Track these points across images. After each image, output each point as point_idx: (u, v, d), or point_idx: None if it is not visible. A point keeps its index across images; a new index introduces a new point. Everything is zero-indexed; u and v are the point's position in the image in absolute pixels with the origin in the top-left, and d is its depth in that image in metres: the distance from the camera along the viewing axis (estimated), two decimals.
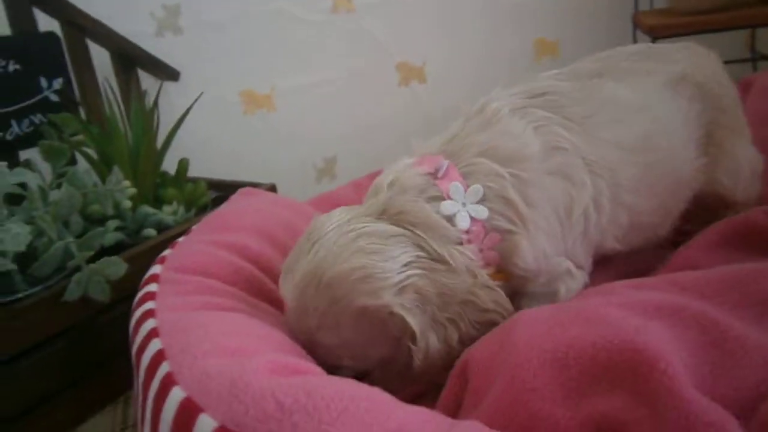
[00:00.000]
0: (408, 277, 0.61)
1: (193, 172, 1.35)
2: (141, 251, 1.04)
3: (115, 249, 1.06)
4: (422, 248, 0.63)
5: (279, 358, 0.56)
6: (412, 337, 0.60)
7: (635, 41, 1.92)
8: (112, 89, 1.19)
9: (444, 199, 0.67)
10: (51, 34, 1.26)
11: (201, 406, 0.49)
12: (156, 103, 1.19)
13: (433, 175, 0.69)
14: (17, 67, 1.19)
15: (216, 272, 0.81)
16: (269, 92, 1.70)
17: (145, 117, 1.20)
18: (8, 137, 1.18)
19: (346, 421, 0.45)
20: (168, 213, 1.20)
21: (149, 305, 0.72)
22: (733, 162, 0.87)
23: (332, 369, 0.61)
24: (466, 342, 0.63)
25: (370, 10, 1.74)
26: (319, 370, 0.58)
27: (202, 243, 0.89)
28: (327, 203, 1.22)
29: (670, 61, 0.84)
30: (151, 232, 1.13)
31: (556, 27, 1.95)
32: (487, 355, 0.61)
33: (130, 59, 1.40)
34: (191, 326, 0.65)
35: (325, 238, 0.64)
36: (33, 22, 1.23)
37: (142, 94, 1.26)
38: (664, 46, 0.90)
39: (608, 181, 0.73)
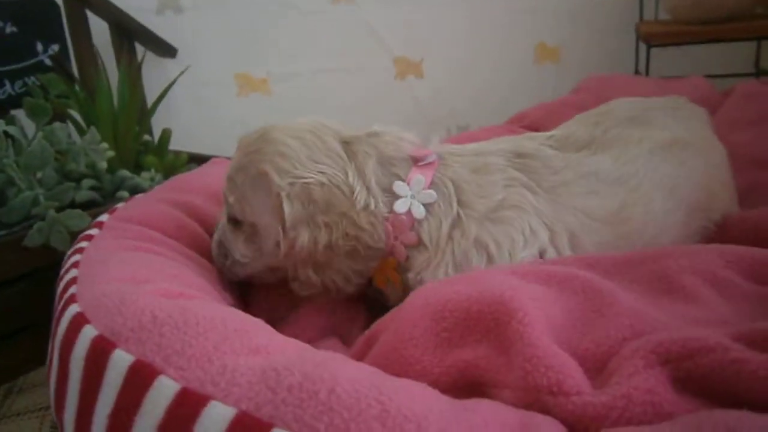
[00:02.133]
0: (313, 180, 0.70)
1: (183, 146, 1.39)
2: (102, 210, 1.08)
3: (88, 207, 1.10)
4: (346, 173, 0.71)
5: (173, 287, 0.59)
6: (283, 225, 0.69)
7: (637, 51, 1.92)
8: (100, 55, 1.24)
9: (402, 181, 0.73)
10: (51, 2, 1.32)
11: (89, 319, 0.53)
12: (139, 70, 1.24)
13: (415, 160, 0.75)
14: (14, 29, 1.25)
15: (158, 225, 0.85)
16: (265, 76, 1.75)
17: (130, 84, 1.25)
18: (0, 96, 1.24)
19: (210, 336, 0.47)
20: (145, 179, 1.24)
21: (82, 244, 0.76)
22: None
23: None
24: (333, 250, 0.70)
25: (371, 3, 1.77)
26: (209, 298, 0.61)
27: (153, 199, 0.93)
28: None
29: (660, 126, 0.85)
30: (124, 194, 1.17)
31: (558, 33, 1.95)
32: (388, 316, 0.63)
33: (128, 33, 1.45)
34: (109, 261, 0.68)
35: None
36: None
37: (134, 65, 1.31)
38: (655, 106, 0.90)
39: (569, 242, 0.74)
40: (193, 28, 1.61)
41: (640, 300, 0.56)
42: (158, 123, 1.35)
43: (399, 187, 0.73)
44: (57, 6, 1.33)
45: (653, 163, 0.80)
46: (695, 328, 0.48)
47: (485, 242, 0.71)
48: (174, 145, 1.41)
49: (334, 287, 0.74)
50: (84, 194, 1.11)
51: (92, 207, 1.10)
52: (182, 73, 1.28)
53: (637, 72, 1.93)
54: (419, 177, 0.73)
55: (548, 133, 0.85)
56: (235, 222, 0.77)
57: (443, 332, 0.54)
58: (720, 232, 0.83)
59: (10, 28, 1.23)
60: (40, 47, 1.29)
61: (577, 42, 1.94)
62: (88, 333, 0.51)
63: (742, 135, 1.14)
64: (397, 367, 0.54)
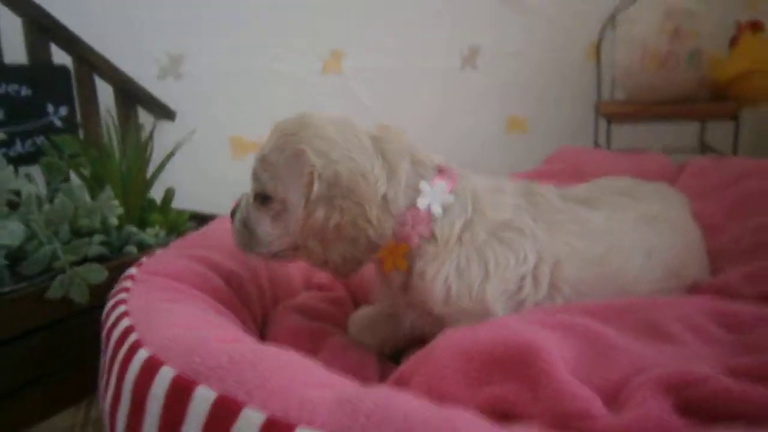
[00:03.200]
0: (343, 166, 0.77)
1: (180, 204, 1.45)
2: (121, 263, 1.13)
3: (98, 261, 1.15)
4: (373, 165, 0.80)
5: (228, 334, 0.66)
6: (307, 199, 0.78)
7: (597, 125, 2.11)
8: (113, 119, 1.31)
9: (427, 182, 0.83)
10: (63, 67, 1.39)
11: (163, 360, 0.59)
12: (151, 136, 1.31)
13: (440, 170, 0.85)
14: (29, 92, 1.31)
15: (186, 278, 0.91)
16: (257, 140, 1.84)
17: (139, 146, 1.32)
18: (11, 154, 1.29)
19: (283, 373, 0.55)
20: (150, 235, 1.30)
21: (122, 296, 0.81)
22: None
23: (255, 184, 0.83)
24: (339, 232, 0.78)
25: (357, 75, 1.91)
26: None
27: (176, 255, 0.99)
28: None
29: (644, 201, 1.00)
30: (132, 249, 1.22)
31: (527, 106, 2.14)
32: (413, 362, 0.71)
33: (132, 96, 1.53)
34: (158, 310, 0.75)
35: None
36: (48, 54, 1.37)
37: (138, 127, 1.39)
38: (645, 186, 1.06)
39: (551, 271, 0.84)
40: (191, 93, 1.70)
41: (635, 343, 0.66)
42: (156, 182, 1.42)
43: (424, 186, 0.82)
44: (68, 70, 1.40)
45: (637, 228, 0.93)
46: (688, 364, 0.58)
47: (487, 258, 0.81)
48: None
49: (332, 265, 0.81)
50: (95, 249, 1.16)
51: (102, 261, 1.14)
52: (191, 134, 1.36)
53: (596, 144, 2.12)
54: (442, 183, 0.83)
55: (554, 187, 0.97)
56: (263, 199, 0.83)
57: (473, 372, 0.62)
58: (693, 293, 0.95)
59: (25, 91, 1.30)
60: (50, 109, 1.35)
61: (544, 116, 2.13)
62: (166, 373, 0.57)
63: (699, 206, 1.28)
64: (436, 402, 0.61)
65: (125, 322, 0.71)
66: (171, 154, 1.37)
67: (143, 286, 0.86)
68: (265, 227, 0.85)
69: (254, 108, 1.81)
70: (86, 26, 1.42)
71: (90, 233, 1.20)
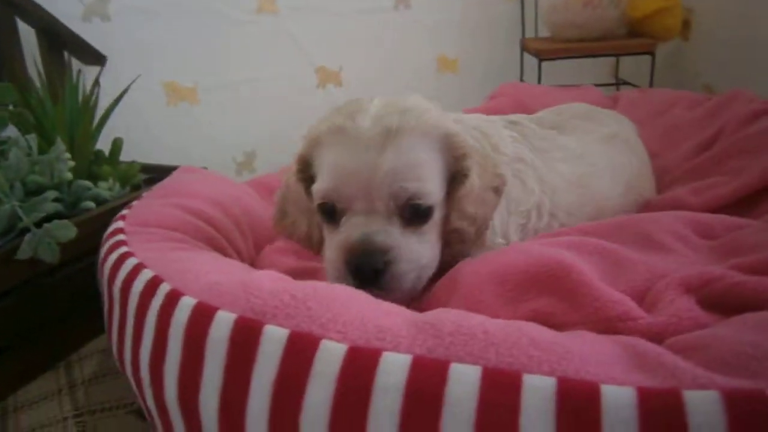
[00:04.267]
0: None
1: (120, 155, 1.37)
2: (83, 220, 1.07)
3: (54, 219, 1.07)
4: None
5: (275, 274, 0.66)
6: (466, 172, 0.74)
7: (522, 62, 2.19)
8: (37, 67, 1.20)
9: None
10: None
11: (216, 306, 0.58)
12: (96, 82, 1.22)
13: None
14: None
15: (178, 227, 0.88)
16: (193, 86, 1.75)
17: (76, 95, 1.22)
18: None
19: (350, 305, 0.56)
20: (104, 188, 1.22)
21: (123, 249, 0.78)
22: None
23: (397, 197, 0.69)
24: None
25: (293, 14, 1.85)
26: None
27: (160, 205, 0.95)
28: (259, 186, 1.31)
29: (604, 123, 1.09)
30: (89, 204, 1.15)
31: (457, 46, 2.18)
32: (443, 284, 0.74)
33: (58, 39, 1.40)
34: (179, 259, 0.73)
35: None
36: None
37: (75, 73, 1.28)
38: (601, 111, 1.16)
39: (550, 198, 0.91)
40: (120, 35, 1.57)
41: (641, 254, 0.74)
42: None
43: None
44: None
45: (603, 148, 1.01)
46: (698, 266, 0.65)
47: (509, 194, 0.84)
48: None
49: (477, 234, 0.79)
50: (51, 206, 1.08)
51: (59, 218, 1.07)
52: (136, 78, 1.28)
53: (521, 80, 2.20)
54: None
55: (524, 115, 1.03)
56: (421, 214, 0.71)
57: (508, 293, 0.67)
58: (646, 209, 1.05)
59: None
60: None
61: (473, 55, 2.18)
62: (224, 318, 0.56)
63: None
64: None
65: (147, 273, 0.69)
66: (116, 101, 1.28)
67: (139, 237, 0.83)
68: (426, 248, 0.73)
69: (188, 51, 1.71)
70: None
71: (38, 190, 1.12)
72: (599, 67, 2.27)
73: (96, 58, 1.48)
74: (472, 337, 0.51)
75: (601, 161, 1.01)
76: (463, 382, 0.47)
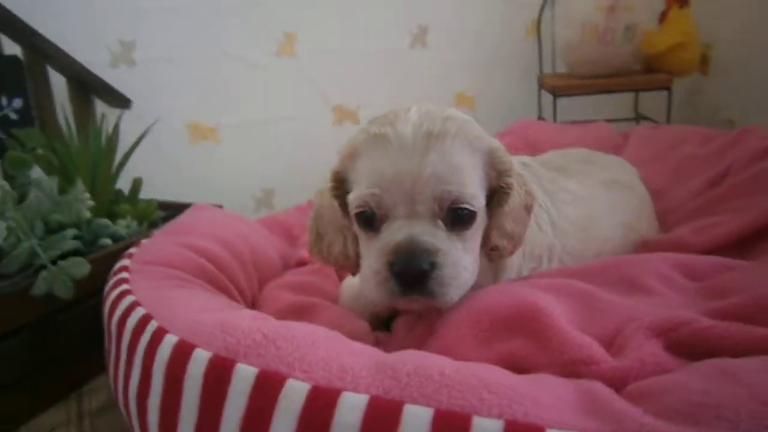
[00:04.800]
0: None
1: (143, 193, 1.44)
2: (99, 257, 1.12)
3: (72, 255, 1.13)
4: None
5: (255, 313, 0.69)
6: (508, 189, 0.75)
7: (540, 98, 2.21)
8: (65, 113, 1.28)
9: None
10: (14, 58, 1.34)
11: (194, 344, 0.61)
12: (117, 127, 1.29)
13: None
14: None
15: (180, 265, 0.92)
16: (214, 126, 1.83)
17: (101, 138, 1.30)
18: None
19: (318, 344, 0.59)
20: (122, 226, 1.28)
21: (124, 287, 0.82)
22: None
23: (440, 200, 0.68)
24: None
25: (311, 56, 1.92)
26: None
27: (166, 243, 1.00)
28: (273, 224, 1.36)
29: (603, 167, 1.10)
30: (107, 241, 1.21)
31: (474, 84, 2.22)
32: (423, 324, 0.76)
33: (86, 85, 1.49)
34: (171, 297, 0.77)
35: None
36: None
37: (99, 118, 1.36)
38: (600, 155, 1.17)
39: (561, 243, 0.92)
40: (145, 79, 1.67)
41: (620, 296, 0.74)
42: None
43: None
44: (20, 61, 1.35)
45: (602, 191, 1.03)
46: (671, 310, 0.66)
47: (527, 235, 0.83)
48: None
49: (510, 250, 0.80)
50: (70, 243, 1.14)
51: (78, 255, 1.13)
52: (153, 123, 1.35)
53: (540, 117, 2.22)
54: None
55: (528, 157, 1.05)
56: (464, 218, 0.71)
57: (482, 333, 0.69)
58: (645, 249, 1.05)
59: None
60: (4, 101, 1.31)
61: (490, 92, 2.22)
62: (200, 356, 0.60)
63: (647, 170, 1.40)
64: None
65: (140, 312, 0.73)
66: (136, 144, 1.35)
67: (141, 275, 0.87)
68: (473, 250, 0.74)
69: (210, 93, 1.79)
70: (35, 14, 1.37)
71: (61, 228, 1.18)
72: (619, 102, 2.27)
73: (121, 101, 1.57)
74: (427, 379, 0.52)
75: (601, 204, 1.02)
76: (415, 423, 0.49)
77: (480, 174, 0.74)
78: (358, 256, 0.78)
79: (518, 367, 0.65)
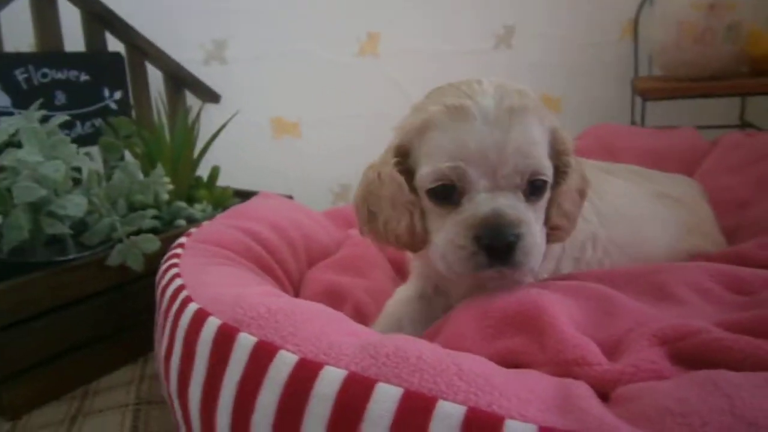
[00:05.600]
0: None
1: (223, 181, 1.55)
2: (172, 235, 1.23)
3: (151, 233, 1.25)
4: None
5: (265, 290, 0.74)
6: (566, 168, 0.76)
7: (633, 103, 2.11)
8: (163, 103, 1.41)
9: None
10: (117, 54, 1.50)
11: (210, 312, 0.67)
12: (197, 118, 1.41)
13: None
14: (87, 78, 1.42)
15: (230, 246, 0.99)
16: (296, 121, 1.92)
17: (186, 129, 1.42)
18: (72, 135, 1.40)
19: (315, 322, 0.62)
20: (198, 210, 1.39)
21: (174, 260, 0.90)
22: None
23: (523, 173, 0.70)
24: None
25: (393, 57, 1.96)
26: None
27: (222, 225, 1.08)
28: (336, 215, 1.41)
29: (655, 182, 1.07)
30: (181, 222, 1.32)
31: (560, 85, 2.15)
32: (441, 322, 0.77)
33: (180, 81, 1.63)
34: (205, 272, 0.83)
35: None
36: (104, 42, 1.47)
37: (186, 110, 1.48)
38: (656, 172, 1.14)
39: (607, 231, 0.90)
40: (235, 76, 1.79)
41: (640, 303, 0.71)
42: (205, 159, 1.51)
43: None
44: (122, 57, 1.50)
45: (649, 202, 0.98)
46: (682, 319, 0.62)
47: None
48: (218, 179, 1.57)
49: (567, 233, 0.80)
50: (149, 222, 1.25)
51: (155, 233, 1.24)
52: (233, 116, 1.45)
53: (633, 122, 2.11)
54: None
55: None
56: (541, 188, 0.73)
57: (487, 328, 0.68)
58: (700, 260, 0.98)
59: (84, 77, 1.40)
60: (106, 93, 1.46)
61: (578, 94, 2.14)
62: (212, 322, 0.65)
63: (728, 180, 1.31)
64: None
65: (177, 282, 0.80)
66: (216, 135, 1.46)
67: (192, 252, 0.95)
68: (540, 227, 0.74)
69: (294, 90, 1.88)
70: (139, 15, 1.52)
71: (144, 208, 1.30)
72: (724, 109, 2.11)
73: (212, 96, 1.69)
74: (404, 361, 0.54)
75: (648, 210, 0.98)
76: (384, 400, 0.51)
77: (547, 149, 0.74)
78: (425, 232, 0.76)
79: (518, 363, 0.64)
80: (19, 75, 1.30)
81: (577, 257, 0.88)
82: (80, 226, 1.14)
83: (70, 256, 1.10)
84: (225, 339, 0.63)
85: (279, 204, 1.26)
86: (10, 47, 1.36)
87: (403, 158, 0.77)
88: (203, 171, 1.51)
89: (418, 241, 0.78)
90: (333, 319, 0.65)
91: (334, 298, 0.99)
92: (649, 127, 1.88)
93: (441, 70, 2.03)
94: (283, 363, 0.58)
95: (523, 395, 0.50)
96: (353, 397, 0.52)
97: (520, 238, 0.68)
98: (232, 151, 1.69)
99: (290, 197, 1.53)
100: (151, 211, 1.29)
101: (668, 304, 0.72)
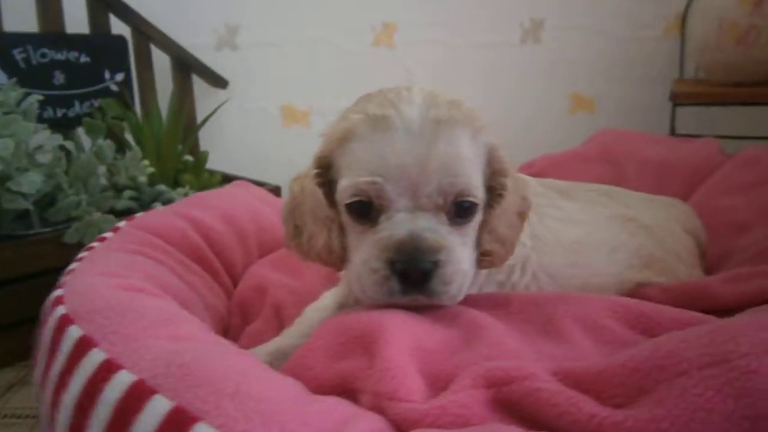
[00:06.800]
0: None
1: (229, 168, 1.57)
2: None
3: (126, 214, 1.28)
4: None
5: (140, 284, 0.73)
6: (502, 190, 0.70)
7: (674, 108, 1.93)
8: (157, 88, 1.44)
9: None
10: (119, 37, 1.54)
11: (63, 301, 0.67)
12: (184, 101, 1.42)
13: None
14: (88, 59, 1.47)
15: (164, 233, 0.99)
16: (307, 109, 1.91)
17: (174, 113, 1.44)
18: (70, 114, 1.46)
19: (141, 323, 0.60)
20: (179, 194, 1.41)
21: (95, 244, 0.92)
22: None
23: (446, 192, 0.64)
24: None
25: (409, 48, 1.90)
26: None
27: (170, 212, 1.08)
28: None
29: (624, 205, 0.95)
30: (158, 205, 1.34)
31: (594, 85, 2.01)
32: None
33: (186, 65, 1.65)
34: (102, 260, 0.84)
35: None
36: (108, 25, 1.52)
37: (176, 94, 1.50)
38: (631, 194, 1.02)
39: (538, 256, 0.83)
40: (246, 63, 1.80)
41: (515, 337, 0.64)
42: (212, 146, 1.53)
43: None
44: (125, 40, 1.55)
45: (608, 225, 0.90)
46: (523, 361, 0.55)
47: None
48: (221, 166, 1.59)
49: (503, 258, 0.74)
50: (124, 203, 1.29)
51: (130, 214, 1.27)
52: (225, 102, 1.45)
53: (672, 128, 1.94)
54: None
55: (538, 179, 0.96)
56: (467, 210, 0.67)
57: (338, 346, 0.64)
58: (651, 294, 0.87)
59: (84, 58, 1.45)
60: (107, 75, 1.51)
61: (613, 95, 1.99)
62: (58, 311, 0.65)
63: (732, 199, 1.17)
64: (297, 370, 0.64)
65: (72, 266, 0.81)
66: (206, 120, 1.48)
67: (119, 237, 0.96)
68: (469, 248, 0.68)
69: (305, 78, 1.87)
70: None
71: (123, 189, 1.34)
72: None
73: (219, 81, 1.71)
74: (188, 374, 0.51)
75: (600, 236, 0.88)
76: (153, 413, 0.49)
77: (481, 167, 0.68)
78: (344, 250, 0.72)
79: (353, 389, 0.60)
80: (18, 54, 1.36)
81: (502, 281, 0.81)
82: (49, 204, 1.19)
83: (31, 231, 1.14)
84: (60, 330, 0.63)
85: (243, 193, 1.25)
86: (13, 30, 1.43)
87: (325, 170, 0.71)
88: (213, 157, 1.53)
89: (336, 259, 0.72)
90: (169, 320, 0.63)
91: (258, 295, 0.98)
92: (680, 135, 1.72)
93: (458, 62, 1.95)
94: (92, 362, 0.56)
95: (291, 427, 0.46)
96: (129, 405, 0.50)
97: (438, 265, 0.62)
98: (244, 138, 1.71)
99: (277, 188, 1.52)
100: (129, 192, 1.32)
101: (547, 339, 0.64)
